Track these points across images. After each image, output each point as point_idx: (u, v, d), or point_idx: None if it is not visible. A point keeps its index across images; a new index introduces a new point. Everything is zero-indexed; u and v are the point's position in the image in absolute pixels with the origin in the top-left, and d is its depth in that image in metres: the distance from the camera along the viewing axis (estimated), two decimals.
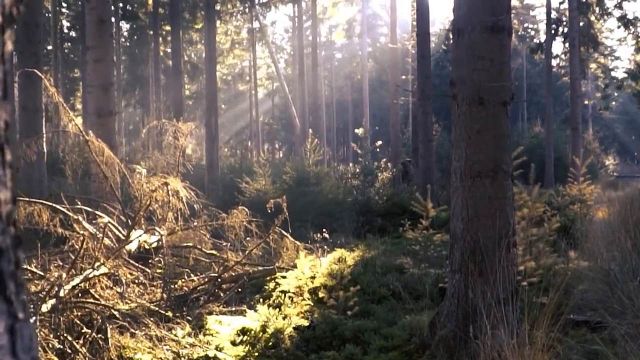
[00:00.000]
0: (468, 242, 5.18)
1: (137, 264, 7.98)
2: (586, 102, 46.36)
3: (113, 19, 34.24)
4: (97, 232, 7.52)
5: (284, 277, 8.17)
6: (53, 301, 5.56)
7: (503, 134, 5.19)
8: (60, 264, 7.25)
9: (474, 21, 5.09)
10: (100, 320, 5.68)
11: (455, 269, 5.29)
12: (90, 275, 6.45)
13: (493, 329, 4.73)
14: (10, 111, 0.79)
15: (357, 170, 17.25)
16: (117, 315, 5.97)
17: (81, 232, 7.02)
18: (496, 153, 5.15)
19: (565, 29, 31.02)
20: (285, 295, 7.52)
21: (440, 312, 5.48)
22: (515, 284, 5.25)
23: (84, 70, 27.33)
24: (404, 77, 34.84)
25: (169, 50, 38.25)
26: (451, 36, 5.56)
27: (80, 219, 7.95)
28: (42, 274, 6.61)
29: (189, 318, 6.54)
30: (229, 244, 9.22)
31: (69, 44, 44.97)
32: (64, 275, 5.80)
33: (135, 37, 44.80)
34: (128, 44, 46.45)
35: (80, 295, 6.32)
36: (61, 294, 5.65)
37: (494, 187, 5.12)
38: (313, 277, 8.05)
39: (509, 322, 4.88)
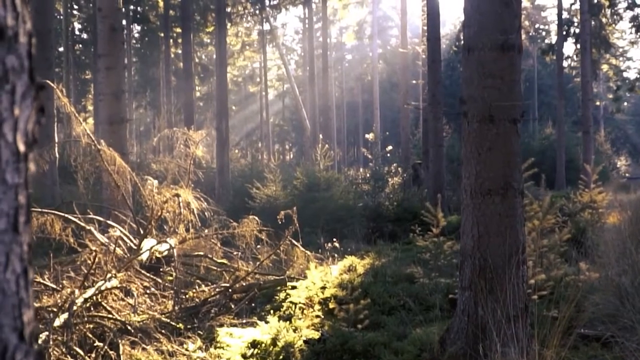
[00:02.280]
0: (478, 259, 5.18)
1: (148, 274, 8.03)
2: (598, 103, 46.14)
3: (124, 21, 34.44)
4: (110, 243, 7.57)
5: (294, 288, 8.19)
6: (65, 315, 5.61)
7: (513, 151, 5.19)
8: (73, 275, 7.30)
9: (484, 39, 5.10)
10: (112, 335, 5.72)
11: (466, 286, 5.30)
12: (102, 288, 6.49)
13: (503, 347, 4.73)
14: None
15: (368, 175, 17.26)
16: (129, 329, 6.02)
17: (93, 244, 7.06)
18: (506, 171, 5.15)
19: (577, 30, 30.91)
20: (295, 307, 7.54)
21: (451, 329, 5.49)
22: (525, 302, 5.25)
23: (95, 73, 27.49)
24: (414, 81, 34.81)
25: (179, 52, 38.33)
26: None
27: (93, 229, 8.01)
28: (54, 286, 6.66)
29: (199, 332, 6.56)
30: (239, 253, 9.25)
31: (80, 45, 45.10)
32: (77, 291, 5.84)
33: (146, 39, 44.91)
34: (139, 45, 46.56)
35: (92, 307, 6.37)
36: (73, 308, 5.70)
37: (504, 205, 5.13)
38: (323, 288, 8.06)
39: (519, 339, 4.88)
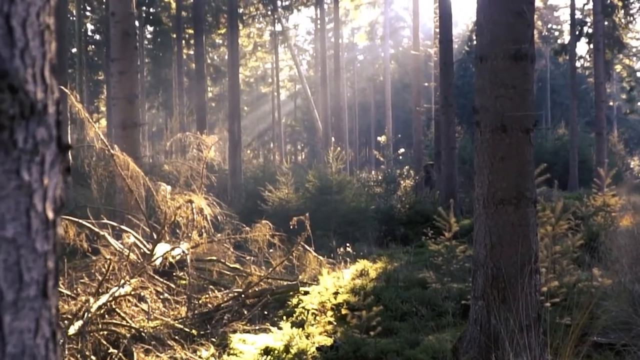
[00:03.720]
0: (491, 269, 5.19)
1: (161, 279, 8.07)
2: (611, 103, 45.92)
3: (137, 23, 34.57)
4: (123, 249, 7.61)
5: (306, 293, 8.21)
6: (80, 323, 5.65)
7: (526, 160, 5.20)
8: (87, 280, 7.35)
9: (497, 49, 5.11)
10: (126, 342, 5.76)
11: (478, 296, 5.31)
12: (116, 294, 6.54)
13: (516, 357, 4.74)
14: None
15: (380, 177, 17.26)
16: (143, 335, 6.05)
17: (107, 252, 7.11)
18: (519, 180, 5.16)
19: (589, 30, 30.76)
20: (308, 312, 7.56)
21: (463, 338, 5.49)
22: (538, 311, 5.25)
23: (108, 75, 27.60)
24: (426, 84, 34.75)
25: (191, 53, 38.43)
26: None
27: (107, 234, 8.06)
28: (69, 293, 6.71)
29: (213, 340, 6.59)
30: (252, 258, 9.29)
31: (93, 47, 45.26)
32: (92, 299, 5.89)
33: (159, 40, 45.01)
34: (151, 47, 46.68)
35: (106, 314, 6.41)
36: (88, 315, 5.74)
37: (517, 214, 5.13)
38: (336, 293, 8.08)
39: (532, 349, 4.88)
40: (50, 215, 0.82)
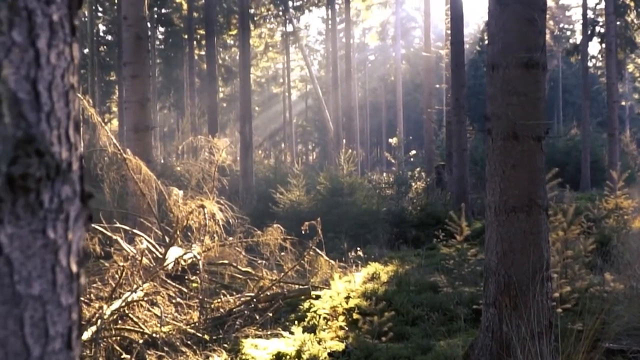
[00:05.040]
0: (502, 276, 5.19)
1: (173, 283, 8.11)
2: (623, 103, 45.70)
3: (148, 23, 34.65)
4: (136, 254, 7.65)
5: (318, 297, 8.23)
6: (94, 329, 5.69)
7: (538, 168, 5.20)
8: (100, 285, 7.39)
9: (509, 57, 5.11)
10: (139, 348, 5.80)
11: (490, 303, 5.31)
12: (129, 299, 6.58)
13: None
14: None
15: (391, 179, 17.26)
16: (156, 340, 6.09)
17: (119, 258, 7.15)
18: (531, 188, 5.16)
19: (602, 29, 30.63)
20: (319, 317, 7.58)
21: (475, 345, 5.50)
22: (550, 318, 5.25)
23: (120, 76, 27.72)
24: (437, 85, 34.70)
25: (203, 53, 38.51)
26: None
27: (119, 239, 8.11)
28: (82, 298, 6.75)
29: (225, 345, 6.62)
30: (263, 261, 9.32)
31: (105, 47, 45.40)
32: (105, 306, 5.93)
33: (170, 40, 45.14)
34: (163, 47, 46.82)
35: (119, 319, 6.46)
36: (101, 321, 5.78)
37: (529, 222, 5.13)
38: (347, 297, 8.09)
39: (544, 356, 4.89)
40: (74, 268, 0.84)
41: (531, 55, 5.04)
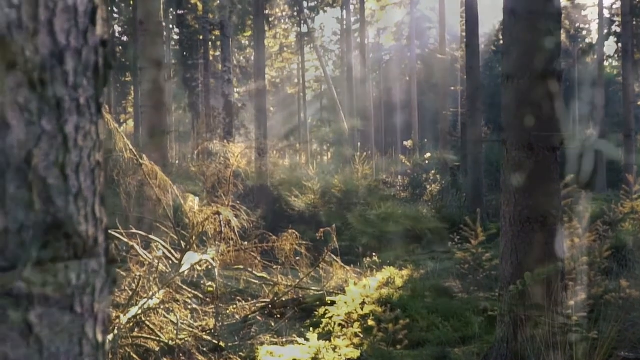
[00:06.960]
0: (517, 286, 5.20)
1: (189, 289, 8.16)
2: (639, 103, 45.33)
3: (164, 24, 34.75)
4: (153, 260, 7.70)
5: (333, 303, 8.24)
6: (111, 337, 5.74)
7: (552, 179, 5.20)
8: (116, 291, 7.44)
9: (524, 68, 5.12)
10: (155, 356, 5.84)
11: (505, 313, 5.32)
12: (146, 307, 6.62)
13: None
14: None
15: (406, 182, 17.26)
16: (173, 347, 6.13)
17: (134, 267, 7.20)
18: (545, 199, 5.16)
19: (618, 29, 30.45)
20: (335, 324, 7.60)
21: (490, 354, 5.51)
22: (565, 329, 5.25)
23: (135, 78, 27.84)
24: (452, 88, 34.58)
25: (218, 54, 38.61)
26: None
27: (135, 245, 8.16)
28: None
29: (241, 354, 6.65)
30: (279, 267, 9.35)
31: (120, 48, 45.58)
32: (122, 315, 5.98)
33: (185, 41, 45.24)
34: (178, 48, 46.94)
35: (135, 326, 6.50)
36: (118, 330, 5.83)
37: (544, 232, 5.14)
38: (363, 303, 8.11)
39: None
40: (100, 338, 0.87)
41: (546, 66, 5.04)
